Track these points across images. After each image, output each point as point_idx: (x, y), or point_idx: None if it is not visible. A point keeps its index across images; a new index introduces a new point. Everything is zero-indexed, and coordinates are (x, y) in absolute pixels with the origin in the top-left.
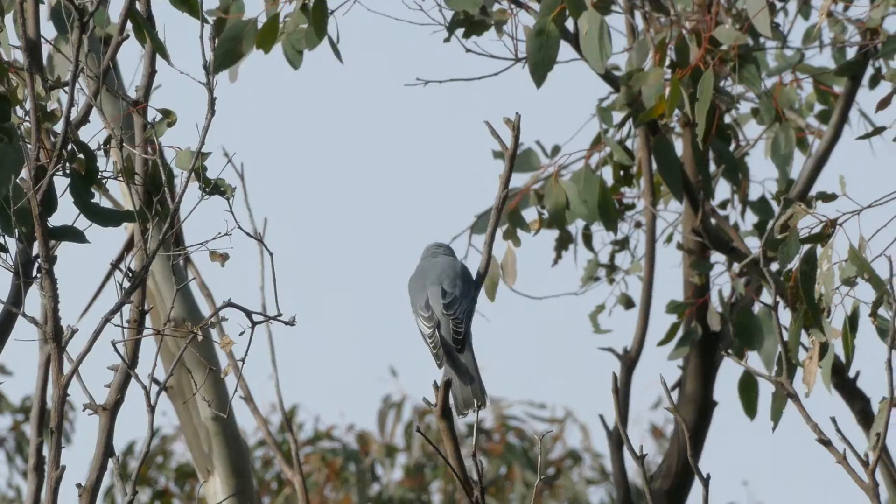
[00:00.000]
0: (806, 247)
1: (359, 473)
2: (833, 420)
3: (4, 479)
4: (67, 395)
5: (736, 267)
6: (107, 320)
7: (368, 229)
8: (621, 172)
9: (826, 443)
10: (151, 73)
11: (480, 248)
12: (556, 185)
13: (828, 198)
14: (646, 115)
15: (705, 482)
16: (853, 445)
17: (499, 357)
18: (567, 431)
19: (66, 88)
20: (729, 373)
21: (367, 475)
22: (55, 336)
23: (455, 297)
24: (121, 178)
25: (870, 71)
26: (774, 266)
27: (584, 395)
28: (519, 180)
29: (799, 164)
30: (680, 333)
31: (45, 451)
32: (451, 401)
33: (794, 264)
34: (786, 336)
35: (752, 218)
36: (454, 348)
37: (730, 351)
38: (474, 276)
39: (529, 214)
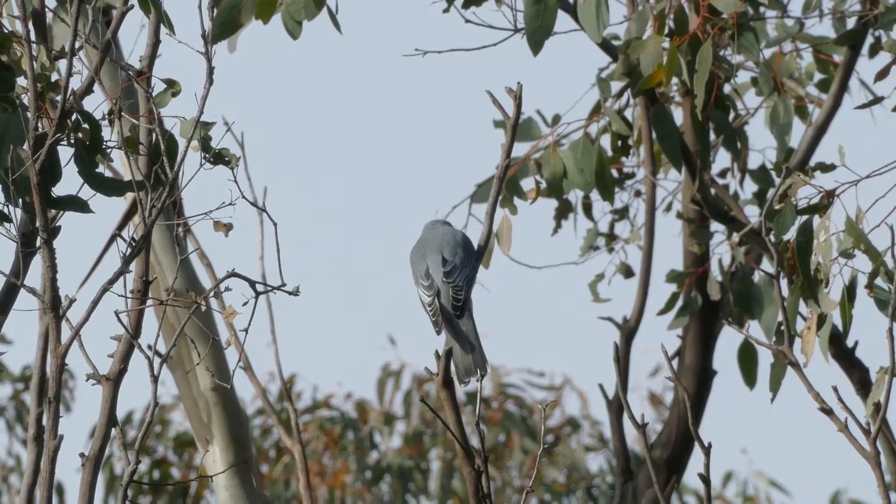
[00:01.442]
0: (803, 217)
1: (357, 441)
2: (835, 389)
3: (4, 447)
4: (66, 364)
5: (736, 236)
6: (105, 289)
7: (369, 199)
8: (619, 142)
9: (828, 412)
10: (156, 42)
11: (481, 217)
12: (554, 154)
13: (826, 168)
14: (643, 84)
15: (706, 451)
16: (854, 414)
17: (498, 326)
18: (565, 399)
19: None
20: (728, 342)
21: (365, 443)
22: (53, 306)
23: (455, 266)
24: (124, 148)
25: (869, 40)
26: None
27: (582, 363)
28: (518, 149)
29: (799, 133)
30: (679, 303)
31: (45, 421)
32: (453, 369)
33: (791, 235)
34: (773, 307)
35: (751, 186)
36: (454, 315)
37: (730, 319)
38: (475, 246)
39: (528, 184)
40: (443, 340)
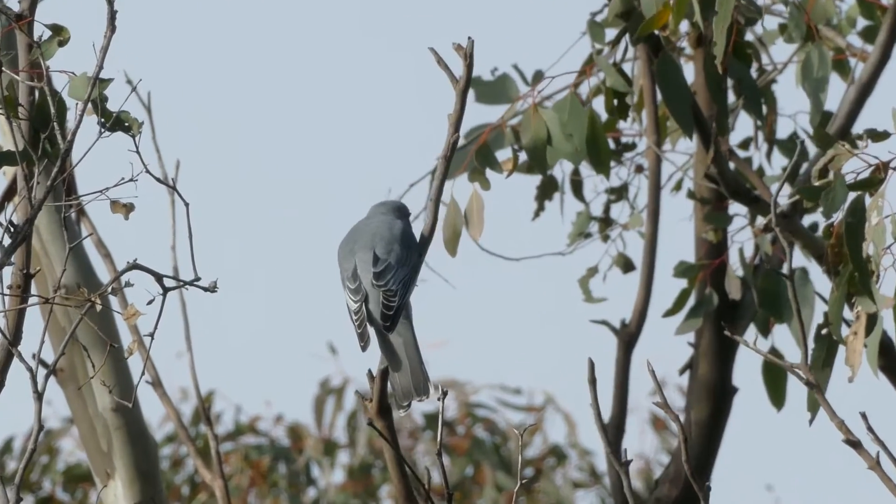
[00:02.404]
0: (851, 196)
1: (290, 476)
2: (863, 416)
3: None
4: None
5: (760, 221)
6: None
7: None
8: (615, 101)
9: (855, 444)
10: None
11: (448, 198)
12: (535, 115)
13: (878, 136)
14: (645, 27)
15: (705, 495)
16: (888, 448)
17: (464, 331)
18: (548, 423)
19: None
20: (751, 351)
21: (300, 478)
22: None
23: (389, 265)
24: (0, 111)
25: None
26: (808, 219)
27: (569, 378)
28: (493, 114)
29: (837, 94)
30: (691, 302)
31: None
32: (391, 391)
33: (837, 217)
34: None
35: (779, 160)
36: (383, 326)
37: (748, 326)
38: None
39: (506, 155)
40: (379, 358)
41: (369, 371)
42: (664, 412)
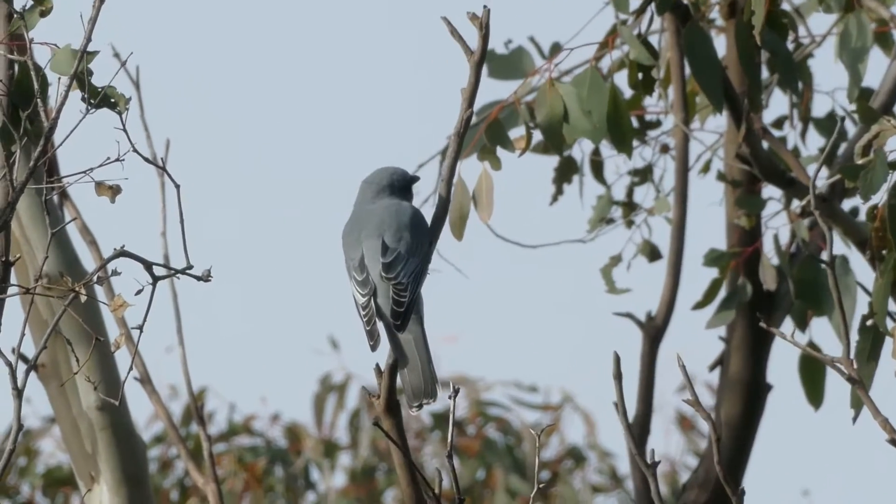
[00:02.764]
0: (893, 175)
1: (288, 479)
2: None
3: None
4: None
5: (796, 204)
6: None
7: (306, 157)
8: (639, 75)
9: None
10: None
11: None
12: (551, 90)
13: None
14: None
15: (739, 499)
16: None
17: (475, 323)
18: (565, 422)
19: None
20: (787, 347)
21: (299, 481)
22: None
23: (398, 255)
24: None
25: None
26: (849, 203)
27: (589, 375)
28: (508, 89)
29: (878, 70)
30: (722, 293)
31: None
32: (400, 387)
33: (881, 198)
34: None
35: (816, 140)
36: (393, 324)
37: (785, 318)
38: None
39: (519, 133)
40: (386, 351)
41: (377, 366)
42: (695, 410)
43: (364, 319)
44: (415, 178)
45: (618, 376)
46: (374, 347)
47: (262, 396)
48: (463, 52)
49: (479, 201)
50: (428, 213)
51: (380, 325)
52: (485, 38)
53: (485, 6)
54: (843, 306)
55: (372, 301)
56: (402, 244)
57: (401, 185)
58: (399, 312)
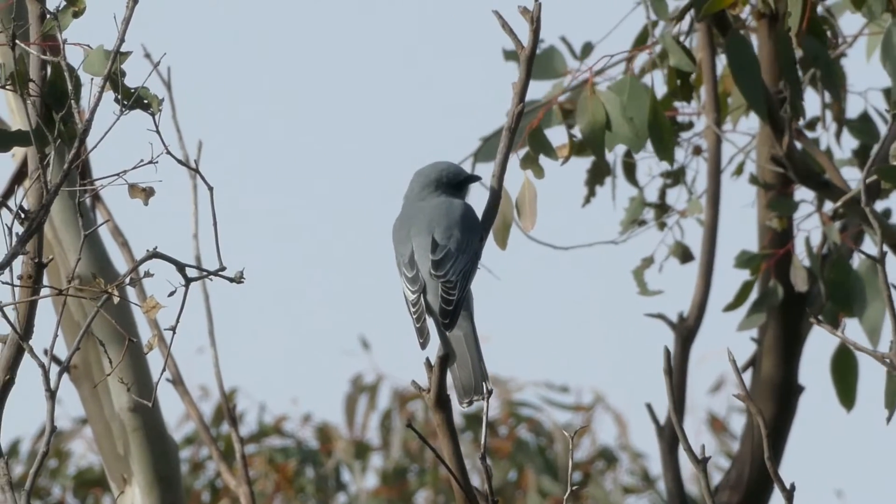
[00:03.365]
0: None
1: (319, 480)
2: None
3: None
4: None
5: (829, 206)
6: None
7: (339, 157)
8: (678, 81)
9: None
10: None
11: (487, 181)
12: (591, 97)
13: None
14: (716, 3)
15: (789, 495)
16: None
17: (507, 324)
18: (597, 423)
19: None
20: (819, 348)
21: (330, 482)
22: None
23: (448, 252)
24: (10, 87)
25: None
26: (880, 205)
27: (621, 375)
28: (538, 90)
29: None
30: (754, 295)
31: None
32: (450, 382)
33: None
34: (881, 301)
35: (850, 142)
36: (442, 323)
37: (819, 317)
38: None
39: (555, 135)
40: (434, 346)
41: (427, 360)
42: (745, 405)
43: (414, 316)
44: (471, 178)
45: (668, 372)
46: (423, 345)
47: (293, 397)
48: (514, 46)
49: (522, 210)
50: (477, 206)
51: (430, 322)
52: (536, 32)
53: (536, 0)
54: (892, 300)
55: (422, 298)
56: (453, 241)
57: (450, 181)
58: (448, 311)
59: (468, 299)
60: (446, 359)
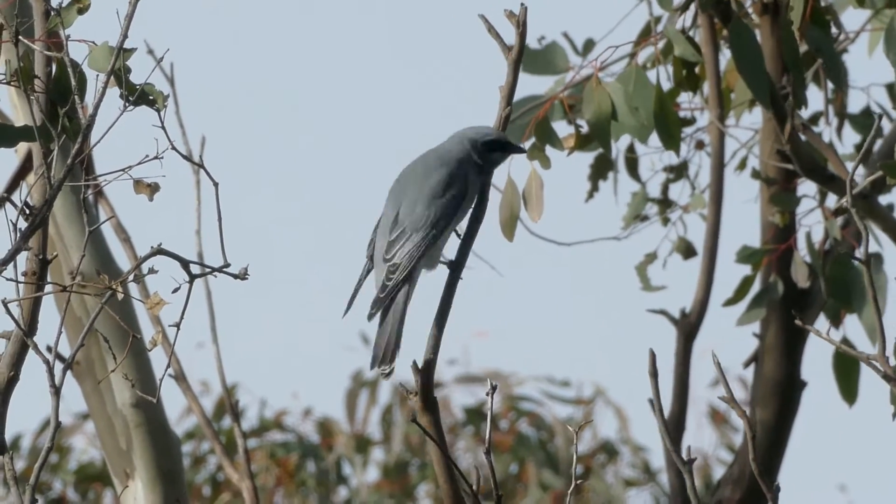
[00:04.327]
0: None
1: (320, 475)
2: None
3: None
4: None
5: (832, 202)
6: None
7: (344, 154)
8: (684, 72)
9: None
10: None
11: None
12: (597, 88)
13: None
14: None
15: (773, 495)
16: None
17: (508, 319)
18: (598, 417)
19: None
20: (821, 344)
21: (331, 476)
22: None
23: (402, 232)
24: (15, 83)
25: None
26: (885, 199)
27: (622, 370)
28: (540, 85)
29: None
30: (755, 290)
31: None
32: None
33: None
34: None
35: (851, 137)
36: (369, 311)
37: (818, 317)
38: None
39: (559, 129)
40: (423, 348)
41: (413, 362)
42: (730, 407)
43: (353, 287)
44: (498, 144)
45: (654, 374)
46: (344, 314)
47: (293, 392)
48: (500, 49)
49: (529, 201)
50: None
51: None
52: (522, 35)
53: (522, 4)
54: (878, 302)
55: (364, 275)
56: (413, 216)
57: (467, 149)
58: (378, 299)
59: (413, 277)
60: (433, 362)
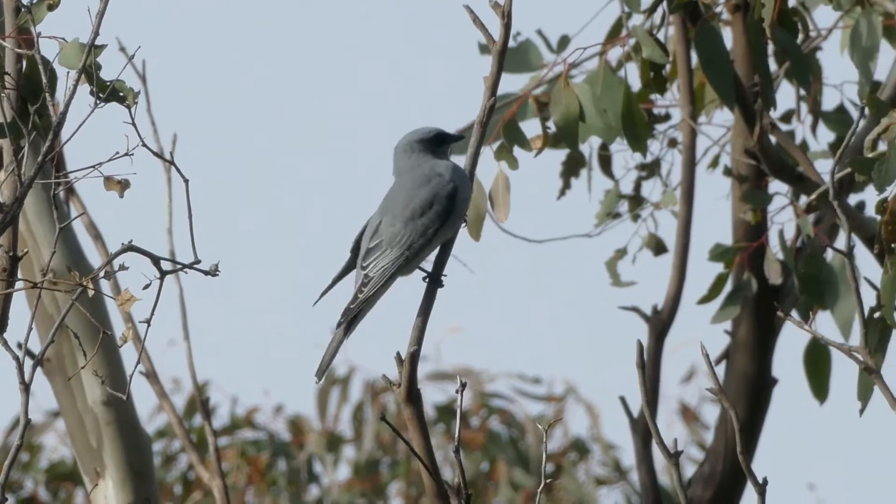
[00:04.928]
0: None
1: (291, 473)
2: None
3: None
4: None
5: (804, 200)
6: None
7: (312, 149)
8: (651, 73)
9: None
10: None
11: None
12: (566, 89)
13: None
14: None
15: (761, 489)
16: None
17: (480, 315)
18: (569, 414)
19: None
20: (792, 341)
21: (302, 475)
22: None
23: (380, 244)
24: None
25: None
26: (855, 198)
27: (593, 367)
28: (515, 83)
29: (886, 62)
30: (728, 288)
31: None
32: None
33: (892, 191)
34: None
35: (825, 135)
36: (339, 319)
37: (790, 313)
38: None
39: (530, 128)
40: (409, 339)
41: (398, 354)
42: (719, 400)
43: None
44: (443, 136)
45: (641, 365)
46: (315, 303)
47: (264, 389)
48: (486, 40)
49: (496, 201)
50: None
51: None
52: (507, 27)
53: None
54: (859, 294)
55: (344, 269)
56: (389, 234)
57: (425, 141)
58: (348, 309)
59: (382, 291)
60: (417, 354)
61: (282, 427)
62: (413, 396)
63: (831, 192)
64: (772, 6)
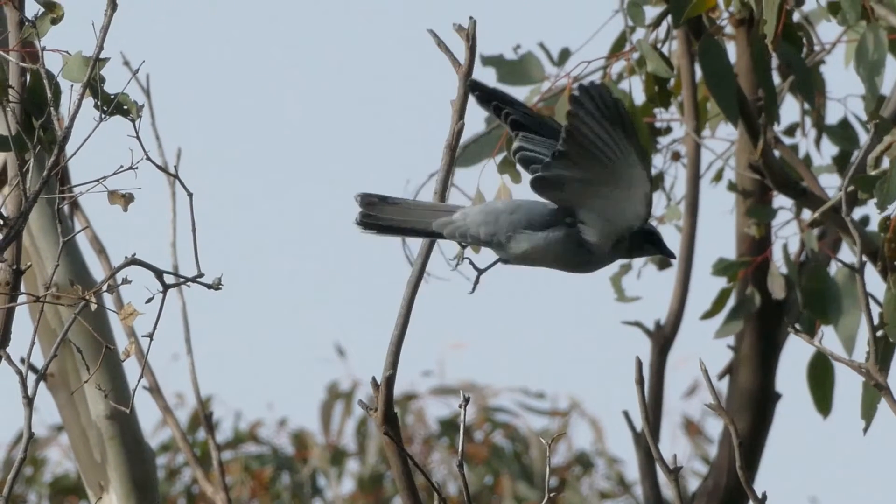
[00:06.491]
0: None
1: (295, 487)
2: None
3: None
4: None
5: (808, 214)
6: None
7: (316, 165)
8: (656, 88)
9: None
10: None
11: (468, 189)
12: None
13: None
14: (692, 9)
15: (760, 503)
16: None
17: (484, 330)
18: (573, 429)
19: None
20: (795, 355)
21: (305, 489)
22: None
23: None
24: None
25: None
26: (859, 213)
27: (597, 381)
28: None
29: (890, 77)
30: (731, 303)
31: None
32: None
33: (894, 210)
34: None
35: (829, 149)
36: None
37: (797, 326)
38: None
39: None
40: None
41: (373, 378)
42: (718, 415)
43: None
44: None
45: (640, 381)
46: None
47: (268, 403)
48: (451, 64)
49: None
50: None
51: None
52: (472, 49)
53: (471, 17)
54: (870, 312)
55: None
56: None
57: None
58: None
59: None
60: (392, 378)
61: (285, 441)
62: (389, 420)
63: (844, 207)
64: (776, 21)
